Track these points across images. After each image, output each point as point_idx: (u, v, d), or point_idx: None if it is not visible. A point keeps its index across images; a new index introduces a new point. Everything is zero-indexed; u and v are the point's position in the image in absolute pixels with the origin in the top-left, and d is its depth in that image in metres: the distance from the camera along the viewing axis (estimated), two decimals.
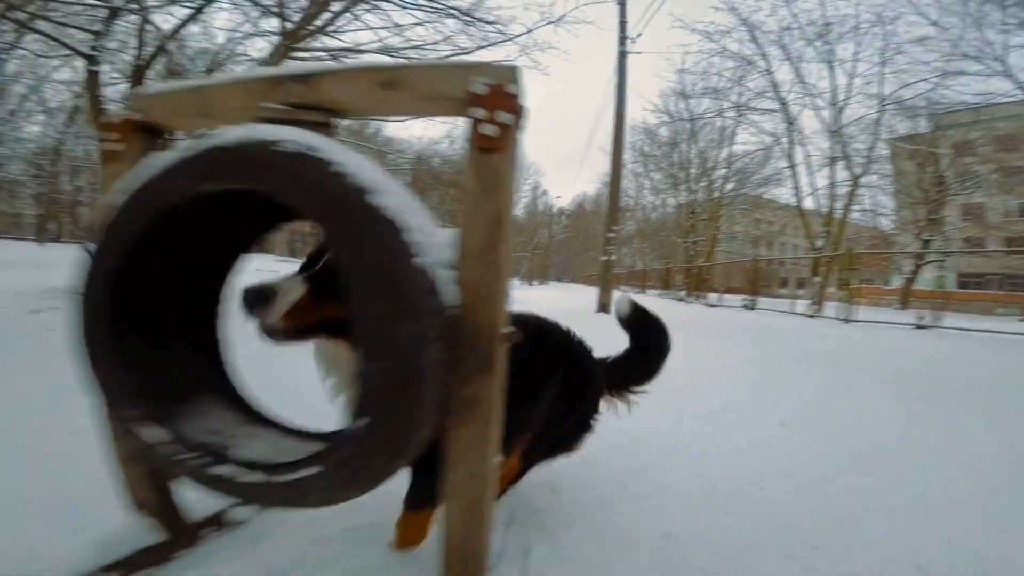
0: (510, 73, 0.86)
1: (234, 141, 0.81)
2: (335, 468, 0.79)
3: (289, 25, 7.08)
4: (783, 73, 26.51)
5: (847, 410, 3.12)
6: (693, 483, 1.92)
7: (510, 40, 8.22)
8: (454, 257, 0.86)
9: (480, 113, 0.83)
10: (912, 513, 1.73)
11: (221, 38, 9.95)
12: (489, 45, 8.22)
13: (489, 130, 0.82)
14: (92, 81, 6.86)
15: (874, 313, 10.34)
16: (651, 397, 2.97)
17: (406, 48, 8.18)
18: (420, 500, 1.29)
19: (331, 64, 0.92)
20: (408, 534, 1.31)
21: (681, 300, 18.18)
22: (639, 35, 10.96)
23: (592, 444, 2.23)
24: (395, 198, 0.78)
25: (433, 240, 0.81)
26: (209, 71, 11.70)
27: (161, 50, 7.38)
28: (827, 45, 14.75)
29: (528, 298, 10.93)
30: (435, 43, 8.27)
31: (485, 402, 0.84)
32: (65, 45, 6.85)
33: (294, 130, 0.80)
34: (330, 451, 0.80)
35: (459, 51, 8.25)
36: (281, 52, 6.84)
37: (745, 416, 2.87)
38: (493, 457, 0.88)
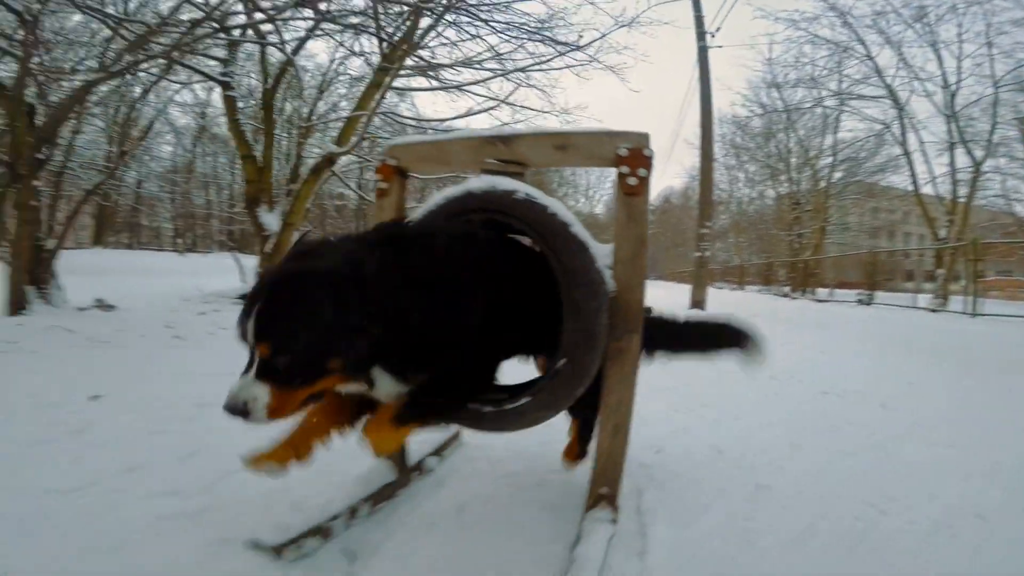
0: (644, 140, 1.32)
1: (483, 190, 1.34)
2: (544, 395, 1.30)
3: (386, 46, 7.91)
4: (885, 58, 24.46)
5: (948, 396, 3.25)
6: (787, 450, 2.25)
7: (580, 49, 8.61)
8: (613, 262, 1.34)
9: (625, 169, 1.30)
10: (984, 477, 1.98)
11: (324, 59, 11.16)
12: (564, 53, 8.65)
13: (632, 181, 1.29)
14: (229, 105, 8.09)
15: (1007, 307, 9.56)
16: (750, 382, 3.31)
17: (485, 59, 8.82)
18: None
19: (524, 129, 1.32)
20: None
21: (785, 296, 17.47)
22: (718, 29, 10.88)
23: (692, 419, 2.64)
24: (581, 228, 1.27)
25: (601, 252, 1.30)
26: (320, 91, 13.08)
27: (284, 73, 8.51)
28: (927, 27, 13.72)
29: None
30: (511, 51, 8.83)
31: (631, 352, 1.31)
32: (203, 74, 8.07)
33: (521, 184, 1.32)
34: (541, 384, 1.31)
35: (537, 59, 8.76)
36: (395, 72, 7.68)
37: (844, 400, 3.10)
38: (634, 391, 1.35)
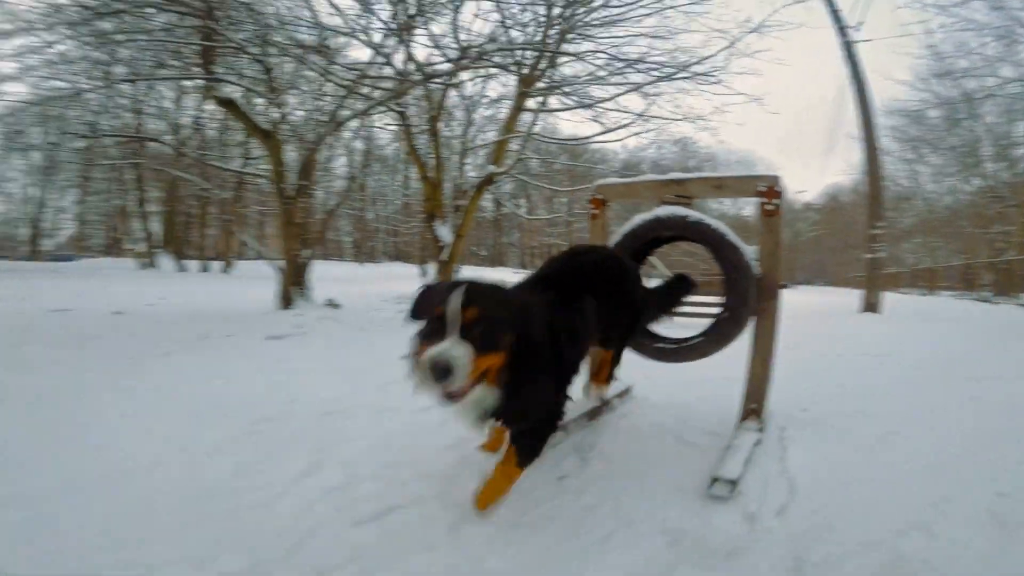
0: (776, 180, 2.10)
1: (667, 215, 2.21)
2: (713, 336, 2.13)
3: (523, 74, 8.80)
4: None
5: None
6: (926, 414, 2.70)
7: (705, 61, 8.66)
8: (759, 257, 2.13)
9: (764, 200, 2.08)
10: None
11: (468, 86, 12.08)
12: (692, 64, 8.70)
13: (769, 207, 2.07)
14: (408, 133, 9.39)
15: None
16: (901, 373, 3.68)
17: (613, 74, 9.11)
18: None
19: (692, 175, 1.95)
20: None
21: (986, 301, 15.46)
22: (861, 23, 10.27)
23: (838, 392, 3.16)
24: (735, 235, 2.09)
25: (749, 250, 2.10)
26: (468, 114, 14.28)
27: (443, 102, 9.67)
28: None
29: None
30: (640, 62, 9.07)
31: (772, 311, 2.10)
32: (388, 107, 9.50)
33: (692, 210, 2.18)
34: (710, 329, 2.14)
35: (668, 74, 8.82)
36: (543, 103, 8.69)
37: (993, 384, 3.39)
38: (774, 336, 2.11)
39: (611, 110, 9.76)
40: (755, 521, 1.70)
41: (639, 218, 2.30)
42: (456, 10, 7.93)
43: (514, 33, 8.71)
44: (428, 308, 1.42)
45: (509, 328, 1.42)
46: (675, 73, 8.80)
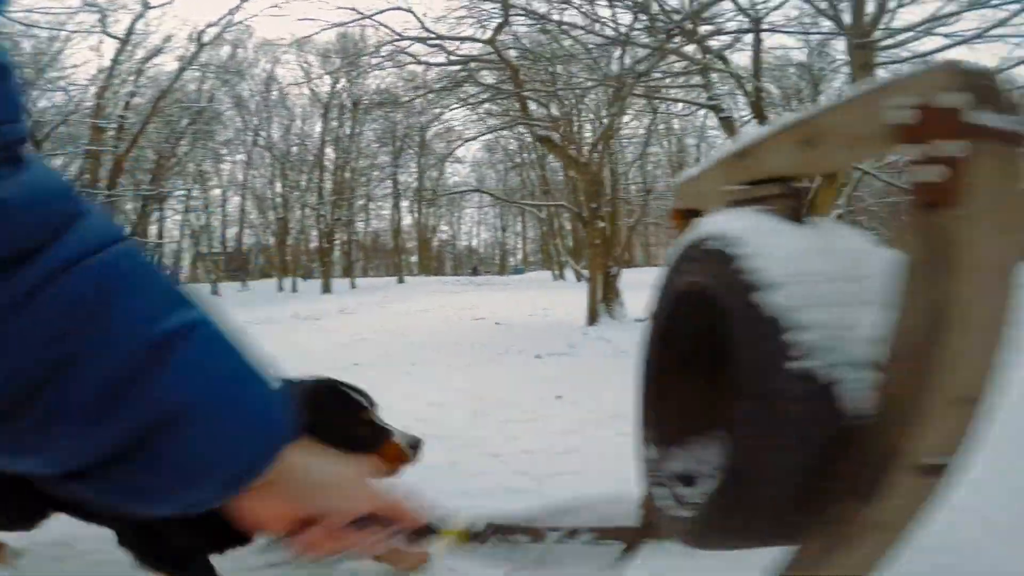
0: (949, 77, 0.59)
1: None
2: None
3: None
4: None
5: None
6: None
7: None
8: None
9: (911, 134, 0.63)
10: None
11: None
12: None
13: (928, 174, 0.61)
14: (728, 126, 8.48)
15: None
16: None
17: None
18: None
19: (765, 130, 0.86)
20: None
21: None
22: None
23: None
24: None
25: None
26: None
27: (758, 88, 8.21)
28: None
29: None
30: None
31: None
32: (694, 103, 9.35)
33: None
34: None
35: None
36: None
37: None
38: None
39: None
40: None
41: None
42: None
43: None
44: None
45: None
46: None
